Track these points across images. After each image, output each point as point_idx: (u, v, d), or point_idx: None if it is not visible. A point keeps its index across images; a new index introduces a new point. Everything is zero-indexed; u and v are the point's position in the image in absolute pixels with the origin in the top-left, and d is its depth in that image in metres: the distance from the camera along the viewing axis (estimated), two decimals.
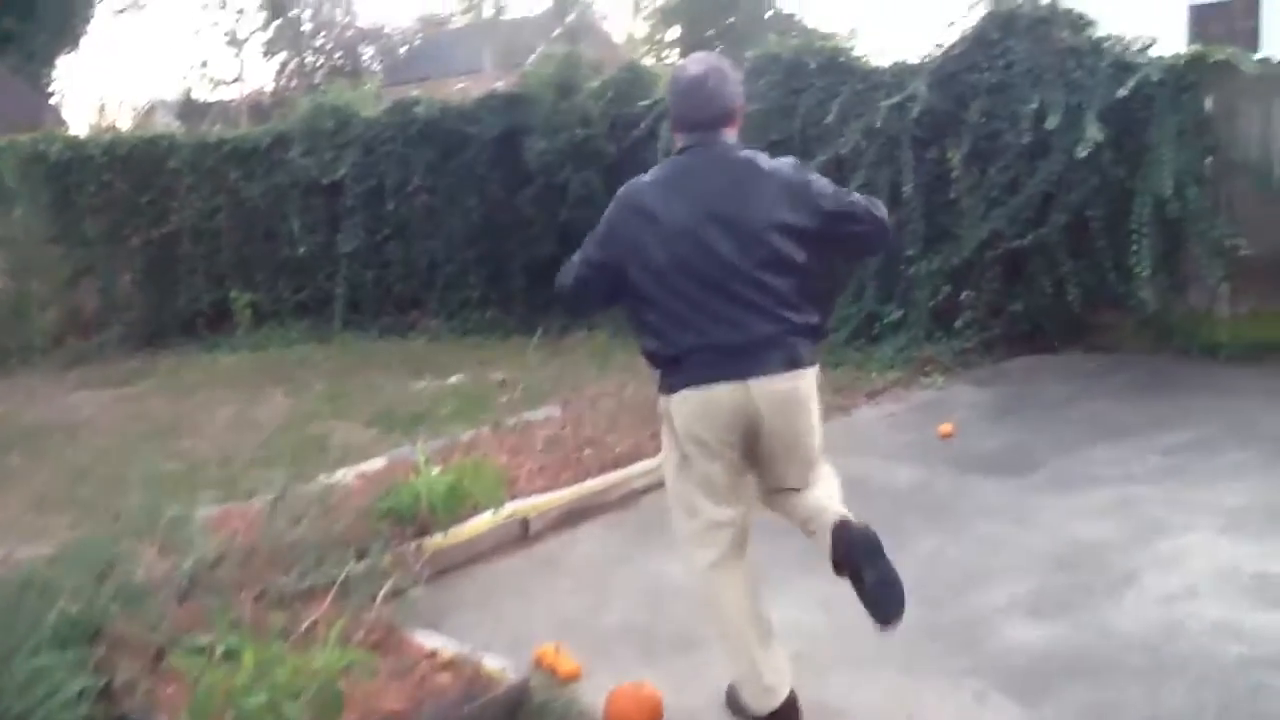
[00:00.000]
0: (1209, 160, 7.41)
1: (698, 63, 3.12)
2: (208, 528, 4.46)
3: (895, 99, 8.13)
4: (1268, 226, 7.24)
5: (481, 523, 4.67)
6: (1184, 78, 7.30)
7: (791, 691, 3.16)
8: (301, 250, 11.40)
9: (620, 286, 3.06)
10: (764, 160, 3.06)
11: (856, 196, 3.12)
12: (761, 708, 3.13)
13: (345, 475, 5.41)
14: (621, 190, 3.12)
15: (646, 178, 3.09)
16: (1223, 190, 7.38)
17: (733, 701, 3.26)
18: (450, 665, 3.39)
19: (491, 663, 3.38)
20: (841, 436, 6.27)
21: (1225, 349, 7.38)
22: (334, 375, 9.01)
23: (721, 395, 2.97)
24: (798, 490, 3.28)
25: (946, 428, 6.14)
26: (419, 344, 10.41)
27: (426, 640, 3.60)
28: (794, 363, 3.02)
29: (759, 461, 3.17)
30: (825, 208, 3.01)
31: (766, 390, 2.98)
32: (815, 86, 8.78)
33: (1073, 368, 7.56)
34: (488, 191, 10.91)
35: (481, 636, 3.81)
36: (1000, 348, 7.95)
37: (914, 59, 8.52)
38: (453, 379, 8.51)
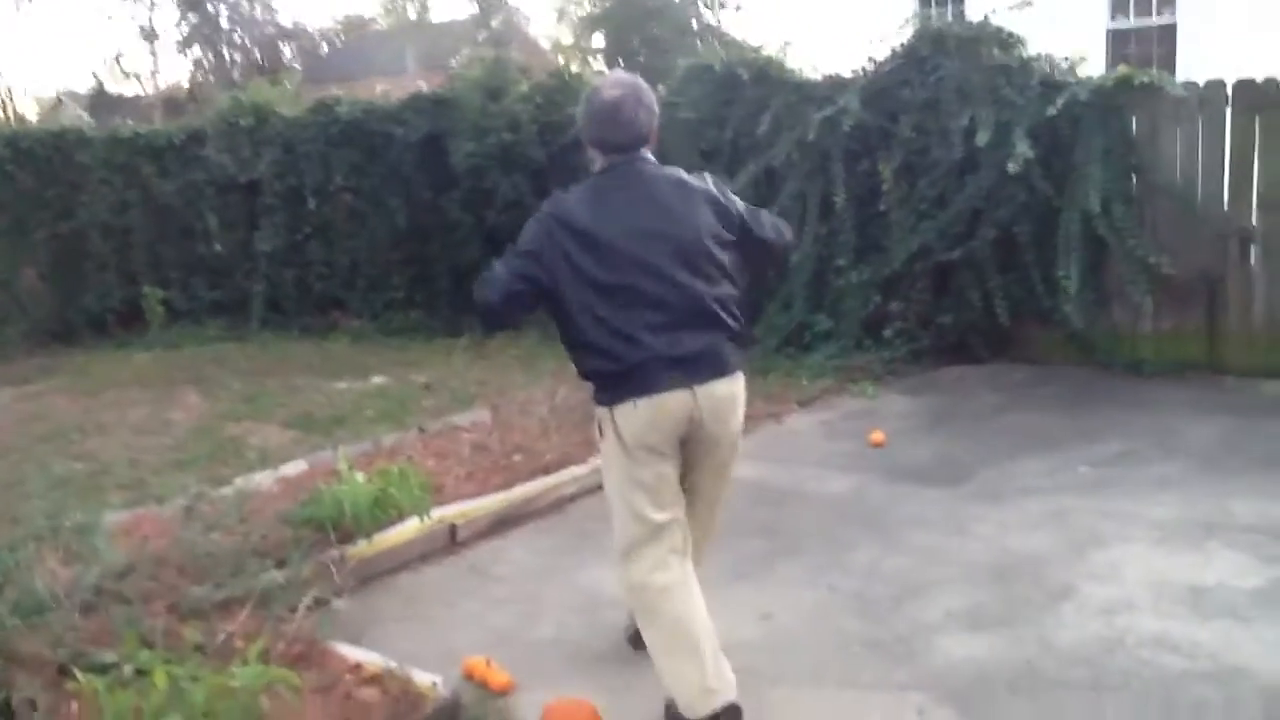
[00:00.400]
0: (1133, 180, 7.51)
1: (615, 85, 3.16)
2: (115, 534, 4.24)
3: (827, 112, 8.11)
4: (1188, 247, 7.36)
5: (407, 530, 4.50)
6: (1111, 99, 7.40)
7: (738, 705, 3.05)
8: (218, 248, 11.08)
9: (540, 301, 3.08)
10: (687, 176, 3.18)
11: (765, 212, 3.34)
12: (701, 709, 3.01)
13: (263, 479, 5.20)
14: (548, 206, 3.13)
15: (572, 196, 3.12)
16: (1146, 210, 7.49)
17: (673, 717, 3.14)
18: (376, 680, 3.23)
19: (420, 677, 3.23)
20: (774, 444, 6.25)
21: (1148, 365, 7.49)
22: (251, 375, 8.72)
23: (670, 403, 3.02)
24: (700, 516, 3.34)
25: (878, 436, 6.12)
26: (340, 345, 10.14)
27: (350, 654, 3.44)
28: (733, 367, 3.13)
29: (687, 461, 3.22)
30: (743, 221, 3.20)
31: (710, 395, 3.07)
32: (747, 97, 8.75)
33: (1000, 379, 7.62)
34: (413, 193, 10.69)
35: (408, 649, 3.64)
36: (929, 358, 7.98)
37: (846, 73, 8.53)
38: (375, 381, 8.29)
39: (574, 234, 3.01)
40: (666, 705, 3.15)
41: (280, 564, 3.91)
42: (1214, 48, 11.72)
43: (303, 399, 7.70)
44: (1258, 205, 7.19)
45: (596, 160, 3.16)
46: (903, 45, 8.27)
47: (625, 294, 2.99)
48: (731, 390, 3.14)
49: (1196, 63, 9.06)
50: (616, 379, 3.03)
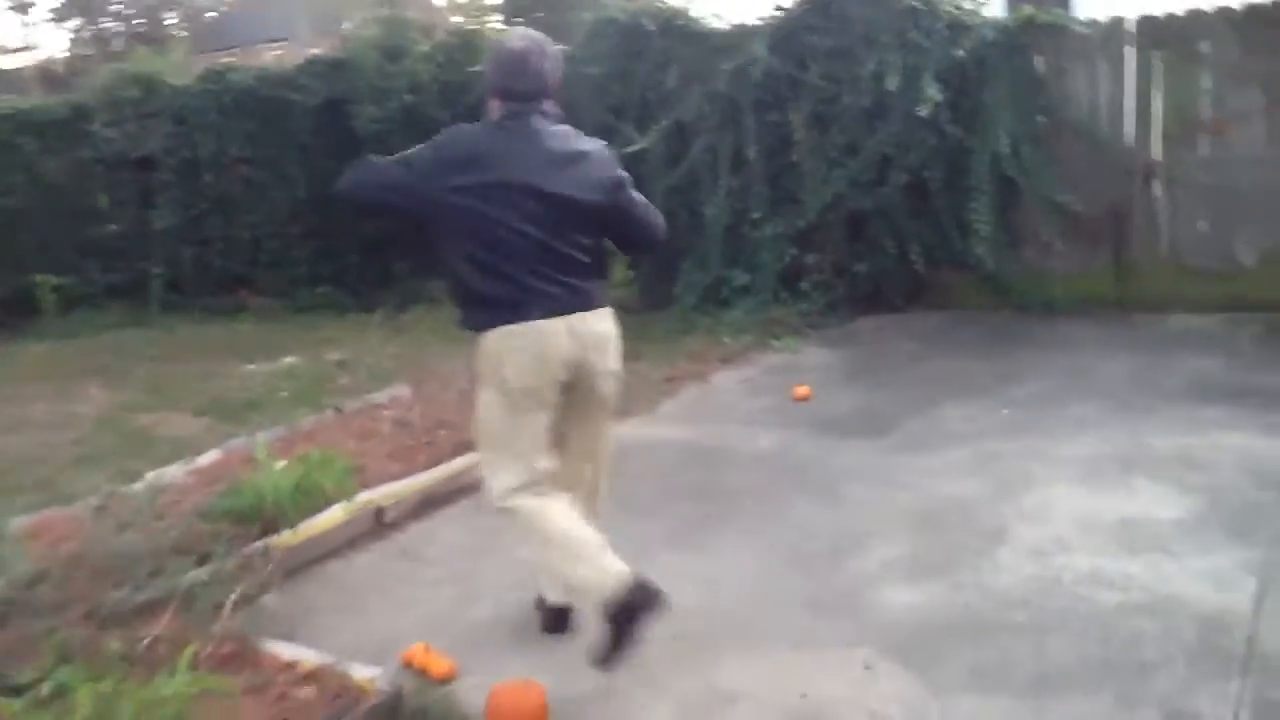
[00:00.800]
0: (1041, 120, 7.58)
1: (521, 38, 3.34)
2: (22, 539, 4.02)
3: (736, 62, 8.04)
4: (1096, 184, 7.48)
5: (333, 516, 4.35)
6: (1016, 38, 7.45)
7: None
8: (112, 228, 10.64)
9: (407, 221, 3.51)
10: (582, 137, 3.33)
11: (641, 198, 3.46)
12: (619, 588, 3.05)
13: (177, 471, 4.99)
14: (453, 131, 3.29)
15: (468, 132, 3.28)
16: (1054, 149, 7.57)
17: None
18: (313, 677, 3.12)
19: (358, 671, 3.12)
20: (699, 403, 6.22)
21: (1059, 304, 7.61)
22: (155, 362, 8.41)
23: (548, 331, 3.17)
24: (584, 464, 3.51)
25: (803, 390, 6.11)
26: (247, 325, 9.83)
27: (283, 651, 3.31)
28: (601, 303, 3.33)
29: (565, 413, 3.35)
30: (621, 192, 3.33)
31: (586, 329, 3.25)
32: (654, 49, 8.62)
33: (917, 326, 7.68)
34: (313, 162, 10.35)
35: (344, 641, 3.54)
36: (846, 308, 8.01)
37: (753, 21, 8.44)
38: (286, 361, 8.05)
39: (461, 169, 3.13)
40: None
41: (202, 561, 3.76)
42: None
43: (212, 384, 7.44)
44: (1161, 139, 7.32)
45: (495, 111, 3.26)
46: None
47: (499, 233, 3.13)
48: (607, 328, 3.35)
49: (1090, 2, 9.15)
50: (491, 304, 3.19)
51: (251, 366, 7.93)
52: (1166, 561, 3.70)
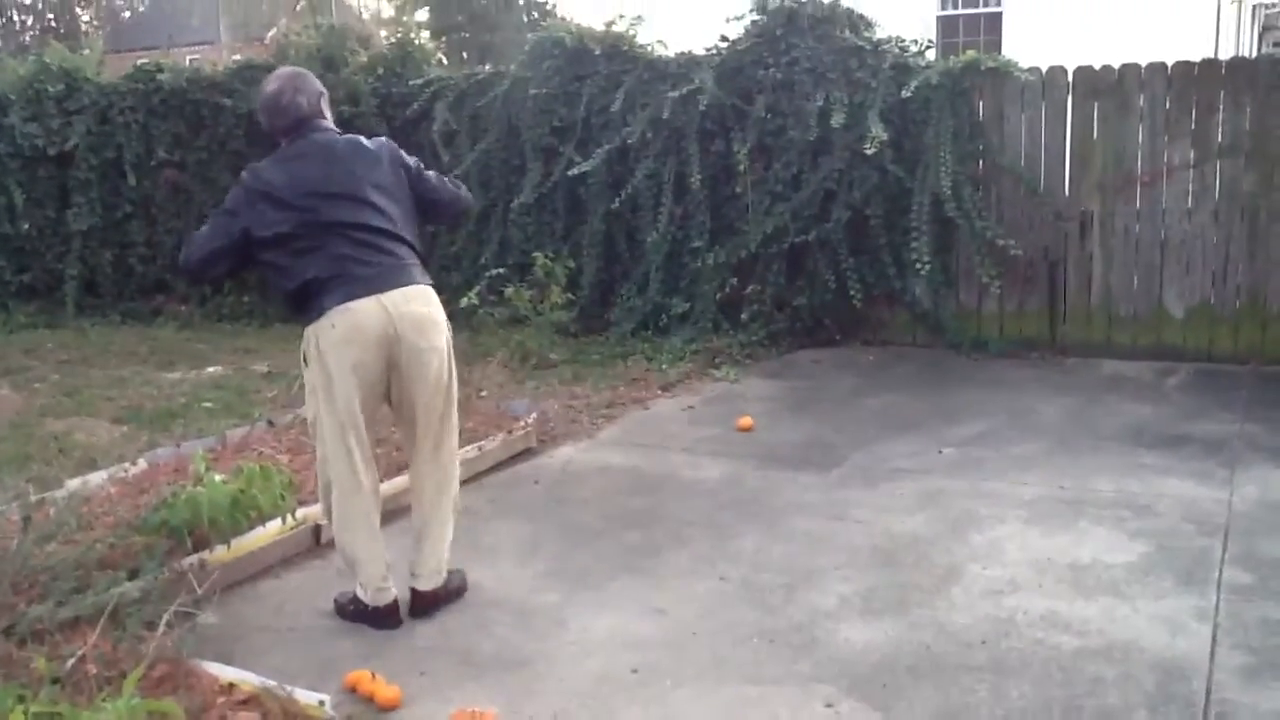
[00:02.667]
0: (980, 163, 7.70)
1: (275, 79, 3.74)
2: None
3: (681, 90, 8.03)
4: (1032, 229, 7.61)
5: (268, 533, 4.17)
6: (959, 82, 7.56)
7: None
8: (25, 227, 10.16)
9: (239, 258, 3.62)
10: (364, 140, 3.77)
11: (436, 174, 3.94)
12: (381, 600, 3.68)
13: (99, 481, 4.74)
14: (246, 175, 3.65)
15: (264, 166, 3.65)
16: (992, 192, 7.70)
17: (343, 608, 3.76)
18: (254, 701, 2.95)
19: (303, 696, 2.96)
20: (640, 430, 6.14)
21: (993, 344, 7.72)
22: (70, 366, 8.06)
23: (363, 311, 3.49)
24: (424, 463, 3.80)
25: (746, 421, 6.07)
26: (168, 331, 9.49)
27: (221, 673, 3.13)
28: (417, 280, 3.65)
29: (398, 408, 3.73)
30: (414, 177, 3.78)
31: (403, 310, 3.55)
32: (600, 74, 8.58)
33: (855, 361, 7.71)
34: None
35: (281, 663, 3.38)
36: (785, 340, 8.01)
37: (699, 51, 8.45)
38: (210, 370, 7.79)
39: (265, 196, 3.53)
40: (337, 600, 3.80)
41: (131, 576, 3.55)
42: (1039, 36, 12.20)
43: (132, 391, 7.14)
44: (1097, 189, 7.47)
45: (282, 142, 3.72)
46: (755, 23, 8.25)
47: (309, 240, 3.50)
48: (427, 310, 3.65)
49: (1022, 50, 9.36)
50: (309, 303, 3.52)
51: (174, 375, 7.64)
52: (1120, 606, 3.71)
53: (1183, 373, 7.09)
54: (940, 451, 5.56)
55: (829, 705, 3.15)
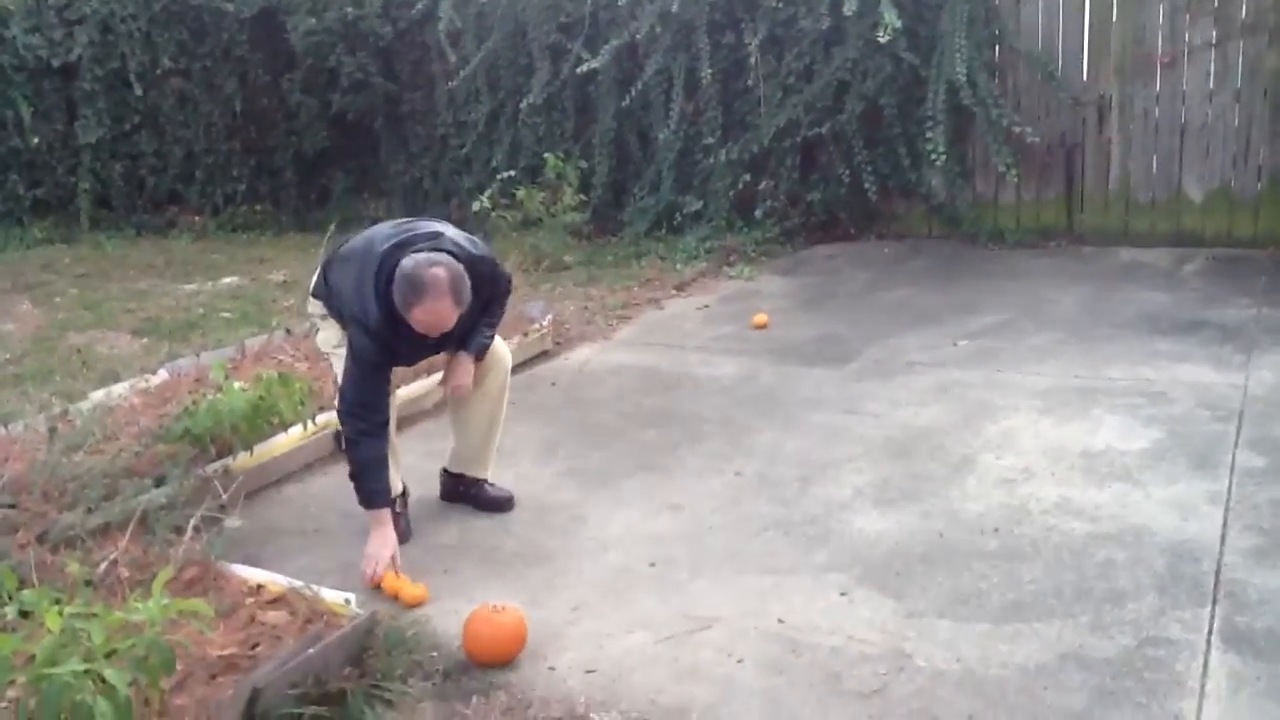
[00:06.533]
0: (996, 49, 7.54)
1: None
2: None
3: None
4: (1048, 116, 7.49)
5: (290, 439, 4.24)
6: None
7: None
8: (35, 141, 10.14)
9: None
10: None
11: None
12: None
13: (121, 392, 4.81)
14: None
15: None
16: (1008, 79, 7.55)
17: None
18: (282, 601, 3.03)
19: (330, 595, 3.04)
20: (656, 329, 6.16)
21: (1011, 234, 7.66)
22: (88, 280, 8.11)
23: None
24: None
25: (761, 318, 6.07)
26: (182, 243, 9.53)
27: (249, 575, 3.22)
28: None
29: None
30: None
31: None
32: None
33: (870, 255, 7.67)
34: (249, 75, 10.03)
35: (307, 564, 3.46)
36: (800, 236, 7.98)
37: None
38: (227, 281, 7.83)
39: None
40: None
41: (158, 483, 3.62)
42: None
43: (150, 303, 7.20)
44: (1115, 72, 7.32)
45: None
46: None
47: None
48: None
49: None
50: None
51: (190, 286, 7.69)
52: (1133, 491, 3.74)
53: (1201, 259, 7.03)
54: (955, 344, 5.56)
55: (843, 593, 3.21)
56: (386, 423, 3.50)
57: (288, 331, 5.79)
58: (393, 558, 3.38)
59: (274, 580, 3.15)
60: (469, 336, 3.66)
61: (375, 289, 3.30)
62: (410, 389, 4.77)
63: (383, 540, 3.39)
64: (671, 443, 4.48)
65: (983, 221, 7.76)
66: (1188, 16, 7.12)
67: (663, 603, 3.20)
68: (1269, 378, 4.78)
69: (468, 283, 3.28)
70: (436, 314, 3.23)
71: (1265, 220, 7.15)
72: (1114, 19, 7.27)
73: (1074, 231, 7.62)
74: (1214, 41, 7.08)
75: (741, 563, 3.44)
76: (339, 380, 3.57)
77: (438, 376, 4.56)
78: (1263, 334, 5.40)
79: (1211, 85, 7.16)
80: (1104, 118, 7.43)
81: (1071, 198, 7.63)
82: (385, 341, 3.34)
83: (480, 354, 3.73)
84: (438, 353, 3.70)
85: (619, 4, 8.16)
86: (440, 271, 3.21)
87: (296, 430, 4.24)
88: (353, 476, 3.47)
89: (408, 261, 3.24)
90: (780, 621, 3.06)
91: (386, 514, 3.45)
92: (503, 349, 3.88)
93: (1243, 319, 5.67)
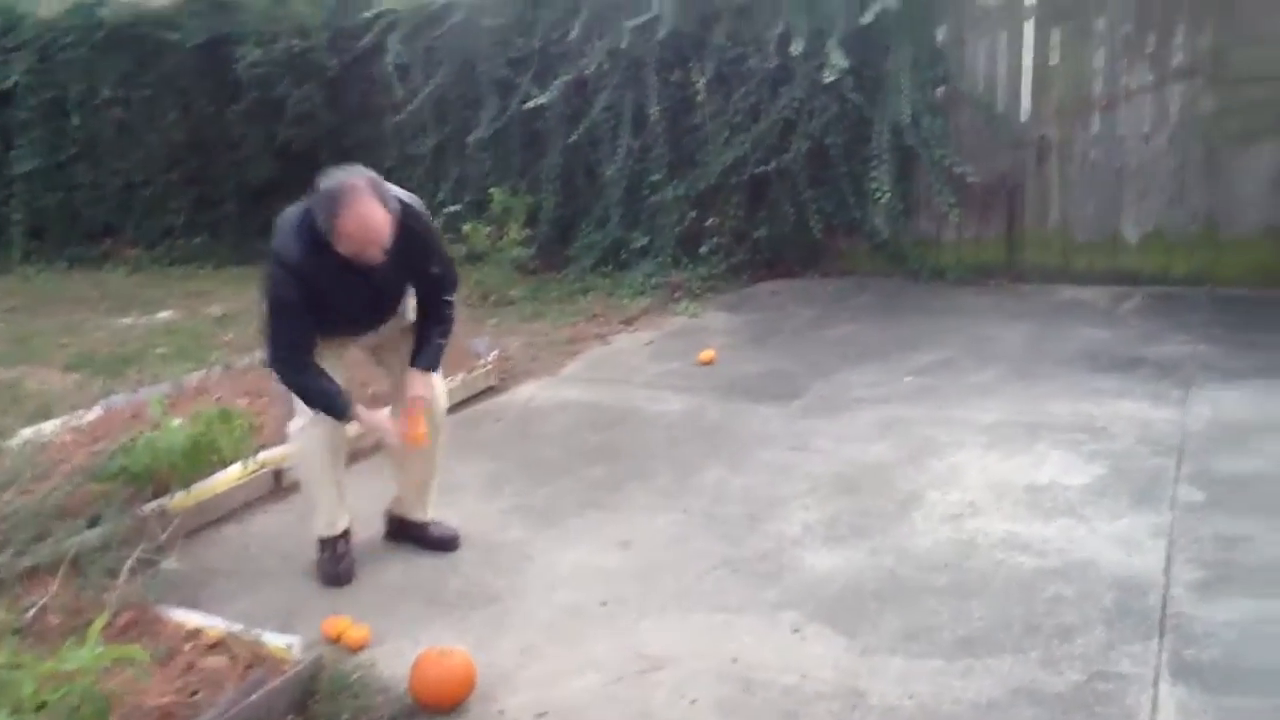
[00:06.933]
0: (940, 90, 7.66)
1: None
2: None
3: (640, 19, 7.91)
4: (991, 156, 7.60)
5: (229, 477, 4.14)
6: (919, 7, 7.49)
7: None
8: None
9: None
10: None
11: None
12: (335, 529, 3.63)
13: (53, 430, 4.67)
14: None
15: None
16: (951, 120, 7.67)
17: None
18: (221, 646, 2.94)
19: (272, 640, 2.95)
20: (602, 365, 6.13)
21: (953, 271, 7.75)
22: (19, 313, 7.92)
23: None
24: None
25: (708, 354, 6.07)
26: (117, 276, 9.34)
27: (187, 618, 3.12)
28: None
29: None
30: None
31: None
32: (556, 3, 8.44)
33: (815, 292, 7.72)
34: (192, 105, 9.89)
35: (247, 608, 3.36)
36: (745, 273, 8.01)
37: None
38: (163, 315, 7.67)
39: None
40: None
41: (92, 523, 3.51)
42: None
43: (83, 338, 7.03)
44: (1055, 114, 7.47)
45: None
46: None
47: None
48: None
49: None
50: None
51: (125, 320, 7.53)
52: (1078, 526, 3.77)
53: (1138, 297, 7.15)
54: (907, 379, 5.59)
55: (795, 630, 3.19)
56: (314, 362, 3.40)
57: (226, 367, 5.68)
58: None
59: (213, 624, 3.06)
60: (420, 348, 3.58)
61: (298, 225, 3.24)
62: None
63: (372, 417, 3.49)
64: (619, 479, 4.44)
65: (925, 259, 7.85)
66: (1125, 60, 7.28)
67: (614, 643, 3.15)
68: (1206, 413, 4.86)
69: (390, 190, 3.23)
70: (364, 220, 3.11)
71: (1200, 259, 7.30)
72: (1054, 62, 7.42)
73: (1014, 270, 7.73)
74: (1150, 85, 7.24)
75: (693, 601, 3.40)
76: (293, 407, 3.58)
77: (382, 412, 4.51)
78: (1199, 370, 5.49)
79: (1148, 128, 7.32)
80: (1044, 158, 7.56)
81: (1012, 236, 7.74)
82: (307, 277, 3.22)
83: (432, 366, 3.63)
84: (377, 312, 3.54)
85: (568, 40, 8.19)
86: (358, 180, 3.14)
87: (236, 468, 4.14)
88: (315, 405, 3.46)
89: (324, 180, 3.17)
90: (733, 661, 3.03)
91: (361, 409, 3.48)
92: (440, 387, 3.79)
93: (1180, 355, 5.77)
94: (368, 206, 3.11)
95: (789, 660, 3.02)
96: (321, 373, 3.40)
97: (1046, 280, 7.58)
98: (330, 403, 3.43)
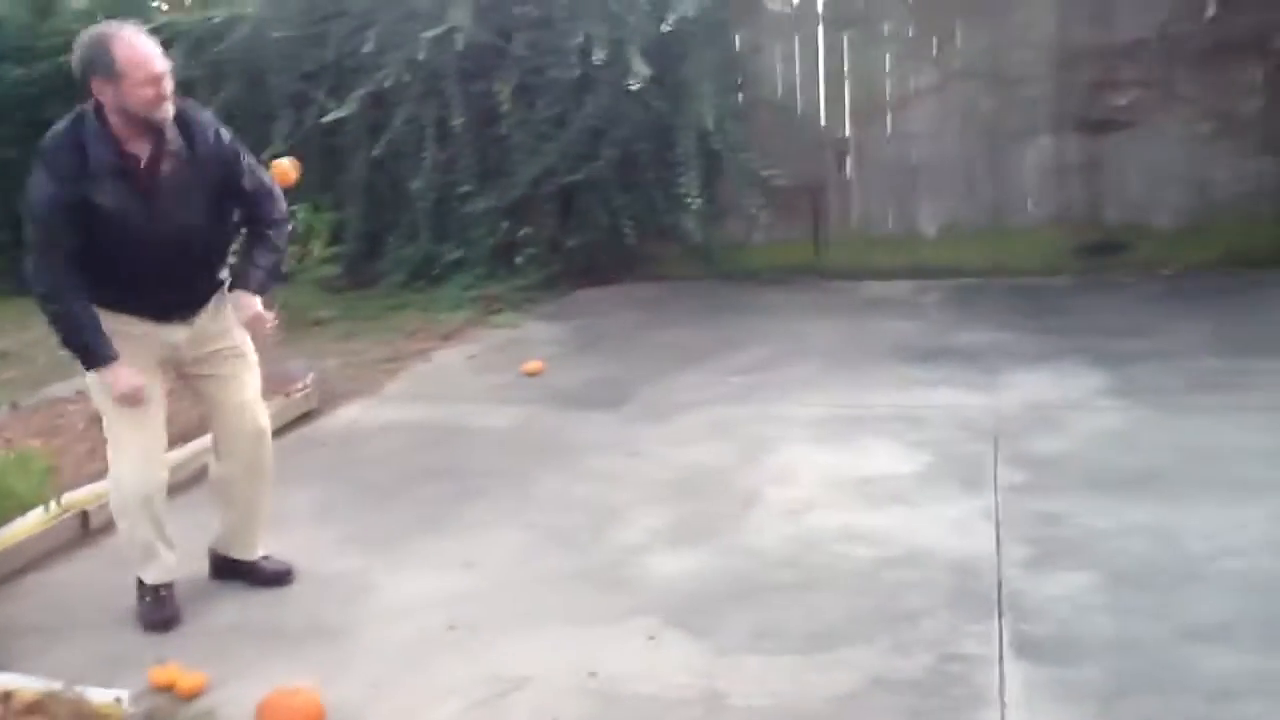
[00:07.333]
0: (741, 96, 7.83)
1: None
2: None
3: (437, 30, 7.76)
4: (793, 159, 7.82)
5: (30, 524, 3.81)
6: (716, 14, 7.63)
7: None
8: None
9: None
10: None
11: None
12: (161, 579, 3.40)
13: None
14: None
15: None
16: (754, 124, 7.85)
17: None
18: (38, 708, 2.70)
19: (97, 695, 2.72)
20: (426, 382, 6.00)
21: (762, 273, 7.92)
22: None
23: None
24: None
25: (533, 365, 6.00)
26: None
27: None
28: None
29: None
30: None
31: None
32: (348, 15, 8.19)
33: (633, 297, 7.75)
34: None
35: (62, 662, 3.09)
36: (562, 282, 7.97)
37: None
38: None
39: None
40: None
41: None
42: None
43: None
44: (850, 116, 7.75)
45: None
46: None
47: None
48: None
49: None
50: None
51: None
52: (911, 514, 3.89)
53: (937, 290, 7.48)
54: (733, 380, 5.66)
55: (651, 637, 3.16)
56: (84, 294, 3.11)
57: (13, 405, 5.25)
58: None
59: (25, 684, 2.79)
60: (246, 271, 3.29)
61: (68, 125, 3.04)
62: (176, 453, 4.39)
63: (120, 370, 3.15)
64: (454, 498, 4.33)
65: (736, 261, 7.99)
66: (911, 63, 7.63)
67: (469, 666, 3.05)
68: (1014, 398, 5.11)
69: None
70: (139, 47, 2.93)
71: (990, 250, 7.70)
72: (846, 67, 7.70)
73: (821, 268, 7.97)
74: (936, 86, 7.61)
75: (544, 616, 3.34)
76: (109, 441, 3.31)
77: (200, 443, 4.29)
78: (1001, 359, 5.76)
79: (937, 126, 7.68)
80: (842, 159, 7.84)
81: (818, 236, 7.99)
82: (78, 179, 2.96)
83: (261, 290, 3.32)
84: (174, 249, 3.15)
85: (363, 52, 7.95)
86: (109, 23, 3.03)
87: (37, 513, 3.82)
88: (70, 345, 3.17)
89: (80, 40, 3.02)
90: (592, 674, 2.97)
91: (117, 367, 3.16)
92: (263, 417, 3.56)
93: (982, 344, 6.05)
94: (137, 35, 2.96)
95: (647, 668, 3.00)
96: (88, 308, 3.11)
97: (852, 277, 7.83)
98: (88, 341, 3.12)
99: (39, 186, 3.00)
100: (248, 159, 3.31)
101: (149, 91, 2.94)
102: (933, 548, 3.61)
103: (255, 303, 3.29)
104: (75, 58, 2.97)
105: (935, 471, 4.27)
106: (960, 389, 5.29)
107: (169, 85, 3.00)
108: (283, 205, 3.43)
